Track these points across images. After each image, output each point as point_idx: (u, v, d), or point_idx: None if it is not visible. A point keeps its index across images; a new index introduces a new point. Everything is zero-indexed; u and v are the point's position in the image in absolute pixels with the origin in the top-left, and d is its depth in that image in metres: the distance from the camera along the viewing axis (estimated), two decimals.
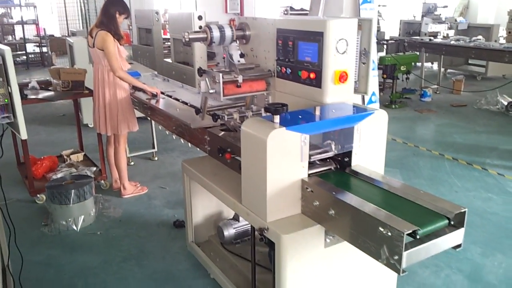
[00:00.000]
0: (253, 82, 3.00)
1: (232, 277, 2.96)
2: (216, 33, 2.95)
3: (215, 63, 4.17)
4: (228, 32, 3.00)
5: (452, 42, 9.10)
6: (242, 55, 3.15)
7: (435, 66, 12.02)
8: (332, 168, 2.51)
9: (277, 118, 2.26)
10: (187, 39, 2.99)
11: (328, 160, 2.53)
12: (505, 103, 7.87)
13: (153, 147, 5.72)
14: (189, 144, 3.61)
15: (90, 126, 6.82)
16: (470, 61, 11.40)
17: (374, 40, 2.90)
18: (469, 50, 8.62)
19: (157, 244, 3.71)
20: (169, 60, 7.27)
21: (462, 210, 1.96)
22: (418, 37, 10.06)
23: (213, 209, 3.44)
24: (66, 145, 5.84)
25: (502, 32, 13.04)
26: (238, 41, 3.13)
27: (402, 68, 8.17)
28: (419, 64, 9.94)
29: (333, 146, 2.47)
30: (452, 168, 5.29)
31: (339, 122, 2.37)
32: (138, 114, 4.54)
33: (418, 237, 1.82)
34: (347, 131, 2.42)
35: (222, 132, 3.11)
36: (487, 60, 9.39)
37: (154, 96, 4.21)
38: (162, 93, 4.44)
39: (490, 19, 15.46)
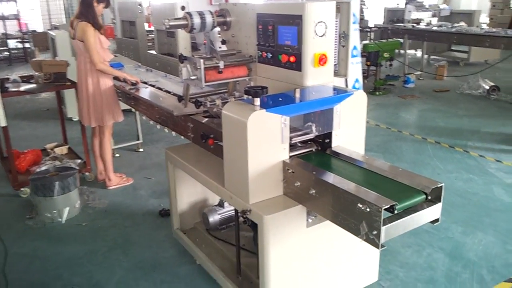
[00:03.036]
0: (235, 67, 3.00)
1: (217, 262, 2.99)
2: (196, 20, 2.94)
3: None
4: (209, 19, 2.99)
5: (434, 28, 9.17)
6: (223, 42, 3.16)
7: (418, 53, 12.11)
8: (313, 149, 2.54)
9: (257, 101, 2.28)
10: (167, 26, 2.98)
11: (309, 142, 2.56)
12: (487, 87, 7.97)
13: (138, 139, 5.71)
14: (173, 133, 3.61)
15: (74, 119, 6.76)
16: (453, 48, 11.51)
17: (353, 23, 2.91)
18: (451, 35, 8.69)
19: (143, 233, 3.72)
20: (153, 52, 7.21)
21: (439, 185, 2.00)
22: (401, 24, 10.12)
23: (198, 196, 3.46)
24: (50, 139, 5.78)
25: (485, 19, 13.18)
26: (219, 28, 3.13)
27: (385, 55, 8.22)
28: (402, 51, 10.01)
29: (313, 128, 2.51)
30: (435, 151, 5.36)
31: (318, 103, 2.40)
32: (123, 106, 4.53)
33: (396, 211, 1.85)
34: (327, 112, 2.45)
35: (205, 119, 3.13)
36: (469, 45, 9.47)
37: (134, 84, 4.22)
38: (145, 82, 4.44)
39: (473, 6, 15.63)
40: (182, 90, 3.93)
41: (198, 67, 2.85)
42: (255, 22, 2.86)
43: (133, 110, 4.95)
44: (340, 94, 2.48)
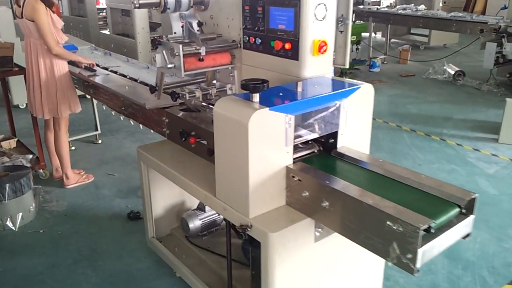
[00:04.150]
0: (217, 54, 2.63)
1: (201, 275, 2.66)
2: None
3: (157, 34, 3.71)
4: None
5: (400, 11, 9.03)
6: (200, 24, 2.78)
7: (378, 36, 12.03)
8: (316, 151, 2.23)
9: (256, 97, 1.94)
10: (137, 5, 2.57)
11: (310, 142, 2.24)
12: (452, 72, 7.95)
13: (96, 129, 5.21)
14: (141, 125, 3.21)
15: (21, 107, 6.15)
16: (412, 31, 11.50)
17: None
18: (417, 19, 8.57)
19: (111, 240, 3.31)
20: (106, 32, 6.63)
21: (473, 196, 1.74)
22: (366, 7, 9.93)
23: (175, 199, 3.09)
24: None
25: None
26: (195, 7, 2.75)
27: (352, 38, 7.99)
28: (364, 34, 9.84)
29: (316, 127, 2.19)
30: (412, 139, 5.21)
31: (326, 99, 2.08)
32: (78, 92, 4.04)
33: (432, 231, 1.58)
34: (332, 109, 2.14)
35: (181, 113, 2.76)
36: (435, 29, 9.36)
37: (88, 69, 3.78)
38: (106, 68, 3.98)
39: None
40: (148, 77, 3.54)
41: (176, 53, 2.45)
42: (239, 2, 2.49)
43: (87, 96, 4.46)
44: (347, 87, 2.18)
